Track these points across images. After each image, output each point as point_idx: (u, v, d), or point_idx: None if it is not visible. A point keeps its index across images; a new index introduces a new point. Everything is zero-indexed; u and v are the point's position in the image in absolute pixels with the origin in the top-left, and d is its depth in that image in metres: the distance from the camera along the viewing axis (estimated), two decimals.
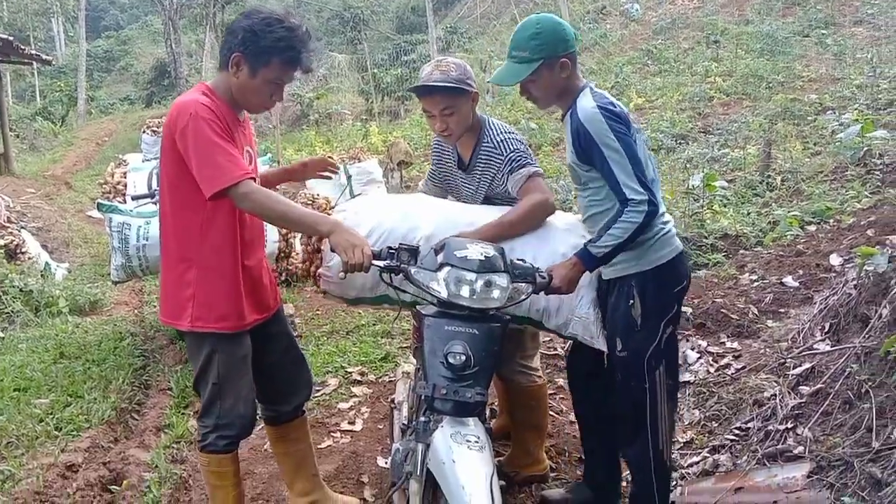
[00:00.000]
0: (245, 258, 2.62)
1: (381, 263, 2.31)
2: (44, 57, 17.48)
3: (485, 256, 2.27)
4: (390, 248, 2.34)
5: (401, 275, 2.31)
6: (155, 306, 6.50)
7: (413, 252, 2.33)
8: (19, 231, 7.79)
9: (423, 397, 2.18)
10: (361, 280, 2.70)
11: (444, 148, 3.15)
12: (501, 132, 2.94)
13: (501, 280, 2.27)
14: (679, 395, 3.50)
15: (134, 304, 6.85)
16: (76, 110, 25.06)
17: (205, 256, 2.52)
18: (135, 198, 5.03)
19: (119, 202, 5.33)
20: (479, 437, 2.06)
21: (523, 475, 3.25)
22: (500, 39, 19.31)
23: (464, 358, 2.13)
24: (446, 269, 2.25)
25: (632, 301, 2.53)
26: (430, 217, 2.77)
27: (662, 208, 2.60)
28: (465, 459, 1.98)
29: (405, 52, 20.71)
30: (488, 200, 3.01)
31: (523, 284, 2.37)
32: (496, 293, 2.25)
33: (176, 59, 26.36)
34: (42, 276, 7.12)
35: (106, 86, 34.31)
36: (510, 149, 2.88)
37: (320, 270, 2.78)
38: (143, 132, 6.23)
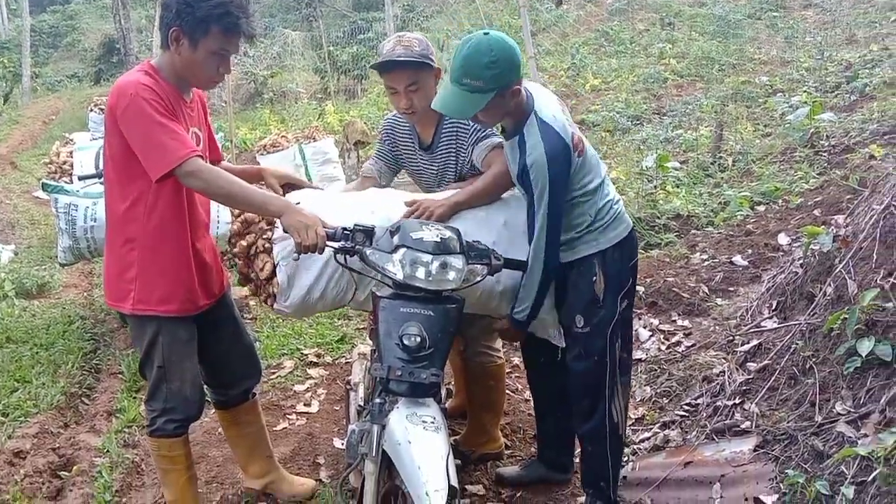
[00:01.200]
0: (194, 240, 2.57)
1: (336, 245, 2.29)
2: None
3: (440, 238, 2.26)
4: (345, 228, 2.32)
5: (356, 256, 2.30)
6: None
7: (368, 233, 2.31)
8: None
9: (378, 379, 2.18)
10: (321, 304, 2.62)
11: (400, 128, 3.07)
12: None
13: (457, 262, 2.27)
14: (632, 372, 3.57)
15: (83, 287, 6.69)
16: (21, 87, 24.18)
17: (149, 237, 2.48)
18: (81, 178, 4.90)
19: (65, 182, 5.19)
20: (434, 418, 2.07)
21: (479, 453, 3.28)
22: (458, 19, 19.18)
23: (419, 339, 2.14)
24: (402, 250, 2.24)
25: (595, 277, 2.58)
26: (386, 208, 2.65)
27: (612, 191, 2.68)
28: (421, 440, 1.99)
29: (362, 30, 20.42)
30: (460, 178, 2.95)
31: (479, 266, 2.37)
32: (452, 275, 2.26)
33: (125, 36, 25.58)
34: None
35: (52, 62, 33.16)
36: (476, 128, 2.83)
37: (272, 290, 2.61)
38: (91, 110, 6.07)
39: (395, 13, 18.84)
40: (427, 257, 2.22)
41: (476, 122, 2.65)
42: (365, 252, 2.28)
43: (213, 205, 2.77)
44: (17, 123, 19.03)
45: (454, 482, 1.94)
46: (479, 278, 2.39)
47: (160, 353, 2.56)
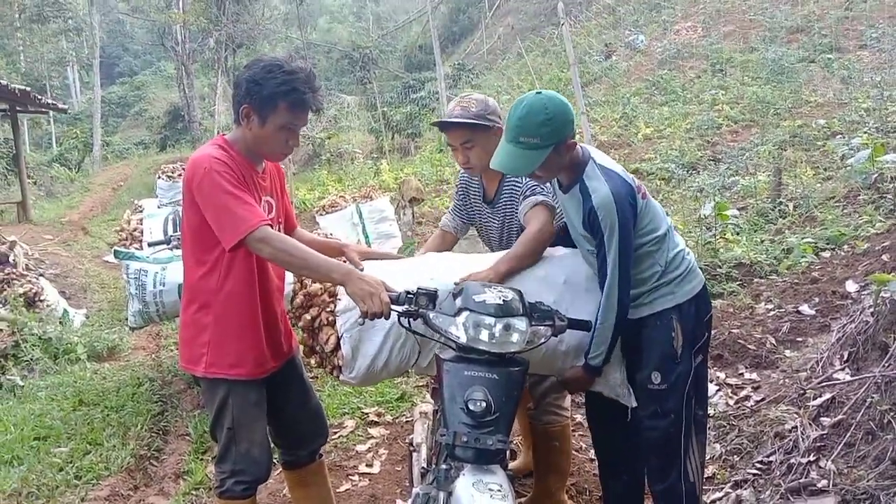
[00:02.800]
0: (264, 307, 2.65)
1: (400, 309, 2.32)
2: (59, 105, 17.85)
3: (503, 300, 2.26)
4: (408, 292, 2.34)
5: (419, 319, 2.31)
6: (172, 350, 6.54)
7: (431, 296, 2.32)
8: (38, 278, 7.88)
9: (443, 444, 2.16)
10: (385, 372, 2.65)
11: (471, 182, 3.21)
12: None
13: (520, 324, 2.25)
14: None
15: (151, 349, 6.88)
16: (92, 156, 25.47)
17: (221, 304, 2.57)
18: (151, 244, 5.09)
19: (136, 248, 5.40)
20: (501, 486, 2.03)
21: None
22: (507, 74, 19.51)
23: (484, 405, 2.11)
24: (465, 313, 2.24)
25: (673, 333, 2.56)
26: (446, 272, 2.68)
27: (681, 242, 2.68)
28: None
29: (414, 89, 20.96)
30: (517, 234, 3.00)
31: (542, 328, 2.35)
32: (515, 336, 2.23)
33: (189, 104, 26.86)
34: (60, 322, 7.18)
35: (121, 131, 34.88)
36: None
37: (337, 362, 2.65)
38: (159, 177, 6.31)
39: (446, 72, 19.26)
40: (490, 320, 2.21)
41: (532, 178, 2.68)
42: (429, 315, 2.28)
43: None
44: (88, 191, 19.96)
45: None
46: (542, 340, 2.36)
47: (230, 416, 2.62)
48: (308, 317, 2.63)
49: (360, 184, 12.51)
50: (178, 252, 4.94)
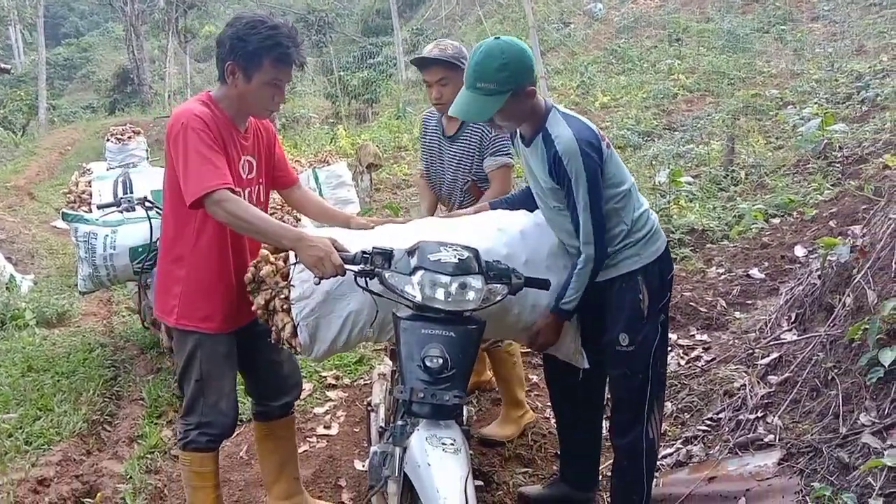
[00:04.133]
0: (237, 263, 2.65)
1: (356, 268, 2.31)
2: (1, 66, 17.16)
3: (458, 259, 2.25)
4: (364, 252, 2.32)
5: (375, 279, 2.30)
6: (124, 316, 6.42)
7: (387, 256, 2.30)
8: None
9: (400, 401, 2.17)
10: (345, 347, 2.61)
11: (430, 121, 3.56)
12: None
13: (476, 282, 2.25)
14: None
15: (102, 315, 6.74)
16: (37, 119, 24.59)
17: (195, 257, 2.60)
18: (100, 206, 4.94)
19: (84, 211, 5.24)
20: (454, 440, 2.05)
21: (523, 424, 3.67)
22: (466, 41, 19.34)
23: (441, 361, 2.12)
24: (420, 272, 2.23)
25: (640, 295, 2.58)
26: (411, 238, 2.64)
27: (645, 202, 2.70)
28: (440, 462, 1.98)
29: (371, 54, 20.67)
30: (468, 170, 3.39)
31: (499, 286, 2.36)
32: (471, 295, 2.24)
33: (139, 66, 26.04)
34: (7, 288, 6.98)
35: (67, 94, 33.73)
36: (499, 133, 3.25)
37: (296, 345, 2.55)
38: (107, 140, 6.08)
39: (403, 37, 19.04)
40: (446, 279, 2.21)
41: (494, 128, 2.68)
42: (384, 275, 2.27)
43: None
44: (34, 155, 19.30)
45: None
46: (499, 297, 2.36)
47: (198, 368, 2.64)
48: (261, 300, 2.53)
49: (316, 149, 12.34)
50: (129, 215, 4.83)
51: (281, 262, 2.54)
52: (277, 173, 2.87)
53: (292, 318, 2.49)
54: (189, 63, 26.17)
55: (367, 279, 2.31)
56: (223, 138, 2.51)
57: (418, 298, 2.23)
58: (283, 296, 2.52)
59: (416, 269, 2.25)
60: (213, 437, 2.69)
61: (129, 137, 5.94)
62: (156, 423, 4.20)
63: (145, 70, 26.40)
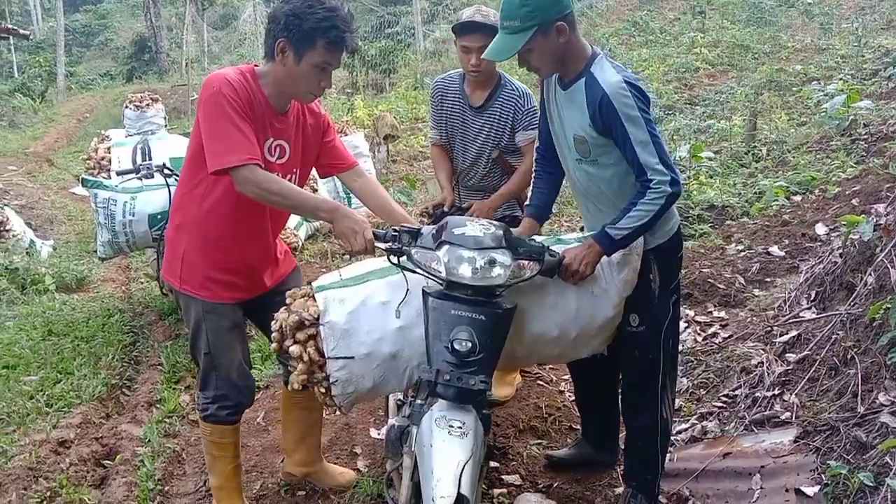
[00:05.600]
0: (246, 237, 2.61)
1: (384, 246, 2.29)
2: (21, 31, 17.18)
3: (483, 233, 2.22)
4: (394, 229, 2.30)
5: (404, 256, 2.27)
6: (143, 283, 6.48)
7: (414, 234, 2.28)
8: (2, 208, 7.71)
9: (424, 381, 2.14)
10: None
11: (449, 89, 3.44)
12: (523, 87, 3.35)
13: (502, 257, 2.20)
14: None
15: (121, 281, 6.80)
16: (56, 86, 24.61)
17: (198, 224, 2.58)
18: (119, 173, 4.97)
19: (104, 178, 5.28)
20: (463, 423, 2.02)
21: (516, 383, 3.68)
22: (492, 6, 19.09)
23: (469, 345, 2.09)
24: (445, 247, 2.20)
25: (651, 275, 2.53)
26: None
27: None
28: (442, 445, 1.97)
29: (389, 24, 20.47)
30: (496, 145, 3.36)
31: (528, 262, 2.31)
32: (497, 270, 2.19)
33: (156, 34, 25.97)
34: (27, 253, 7.05)
35: (86, 61, 33.68)
36: (532, 105, 3.30)
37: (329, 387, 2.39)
38: (126, 107, 6.11)
39: (422, 6, 18.84)
40: (471, 253, 2.17)
41: (530, 69, 2.51)
42: (411, 252, 2.25)
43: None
44: (52, 122, 19.40)
45: (465, 491, 1.89)
46: (528, 274, 2.31)
47: (206, 340, 2.64)
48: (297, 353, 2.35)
49: (333, 119, 12.30)
50: (148, 182, 4.85)
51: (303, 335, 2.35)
52: (330, 161, 2.79)
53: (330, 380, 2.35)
54: (206, 31, 26.05)
55: (398, 257, 2.28)
56: (253, 113, 2.44)
57: (443, 274, 2.19)
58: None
59: (440, 243, 2.23)
60: (231, 410, 2.71)
61: (148, 105, 5.96)
62: (174, 388, 4.25)
63: (163, 38, 26.31)
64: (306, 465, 3.05)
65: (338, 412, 2.56)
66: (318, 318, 2.32)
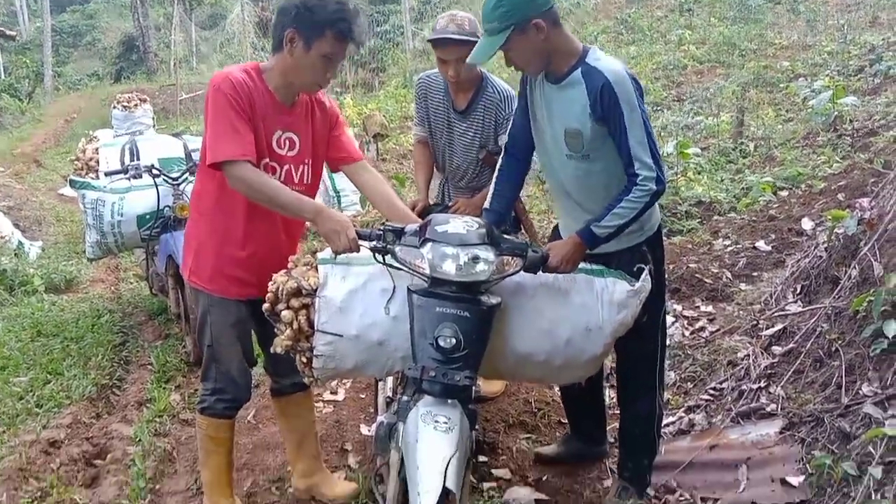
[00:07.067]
0: (258, 235, 2.62)
1: (368, 245, 2.30)
2: (7, 32, 17.09)
3: (467, 230, 2.23)
4: (378, 228, 2.32)
5: (388, 255, 2.28)
6: (132, 283, 6.47)
7: (398, 233, 2.30)
8: None
9: (410, 378, 2.15)
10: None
11: (433, 88, 3.40)
12: (506, 88, 3.29)
13: (486, 253, 2.21)
14: None
15: (110, 282, 6.79)
16: (43, 87, 24.47)
17: (210, 218, 2.62)
18: (108, 173, 4.95)
19: (92, 178, 5.26)
20: (449, 419, 2.03)
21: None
22: (473, 9, 19.12)
23: (454, 341, 2.11)
24: (429, 244, 2.22)
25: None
26: None
27: None
28: (427, 440, 1.98)
29: (378, 23, 20.47)
30: (481, 147, 3.33)
31: (511, 258, 2.31)
32: (481, 266, 2.20)
33: (144, 34, 25.83)
34: (15, 254, 7.03)
35: (73, 61, 33.48)
36: (514, 107, 3.15)
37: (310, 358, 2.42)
38: (114, 108, 6.09)
39: (411, 5, 18.83)
40: (454, 250, 2.18)
41: (518, 69, 2.53)
42: (395, 251, 2.26)
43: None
44: (40, 122, 19.29)
45: (451, 485, 1.90)
46: (512, 270, 2.31)
47: (209, 332, 2.67)
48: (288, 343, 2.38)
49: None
50: (136, 182, 4.84)
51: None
52: (337, 154, 2.79)
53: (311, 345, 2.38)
54: (194, 31, 25.95)
55: (382, 255, 2.29)
56: (255, 109, 2.47)
57: (427, 271, 2.20)
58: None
59: (424, 241, 2.24)
60: (228, 404, 2.73)
61: (136, 105, 5.94)
62: (164, 388, 4.25)
63: (151, 38, 26.19)
64: (308, 476, 3.04)
65: (314, 383, 2.56)
66: (315, 290, 2.33)
